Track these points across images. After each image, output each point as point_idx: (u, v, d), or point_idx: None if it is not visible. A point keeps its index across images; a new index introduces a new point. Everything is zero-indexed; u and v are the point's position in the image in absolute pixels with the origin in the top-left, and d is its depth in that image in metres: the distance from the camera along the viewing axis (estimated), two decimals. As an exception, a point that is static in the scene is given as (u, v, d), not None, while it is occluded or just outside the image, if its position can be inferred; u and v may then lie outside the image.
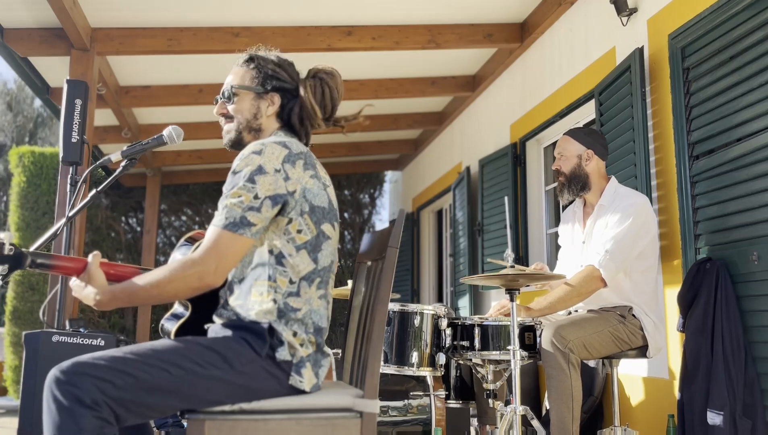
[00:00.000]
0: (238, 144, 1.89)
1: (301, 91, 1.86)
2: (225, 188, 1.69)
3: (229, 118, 1.89)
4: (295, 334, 1.68)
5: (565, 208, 3.32)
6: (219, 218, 1.65)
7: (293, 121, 1.88)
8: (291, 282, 1.70)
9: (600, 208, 2.97)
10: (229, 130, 1.89)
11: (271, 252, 1.70)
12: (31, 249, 1.89)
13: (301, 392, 1.69)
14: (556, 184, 3.15)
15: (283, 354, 1.66)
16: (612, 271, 2.78)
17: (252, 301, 1.69)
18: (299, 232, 1.70)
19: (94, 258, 1.65)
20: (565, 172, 3.06)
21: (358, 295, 2.00)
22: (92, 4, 4.33)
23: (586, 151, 3.03)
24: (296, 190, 1.70)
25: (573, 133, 3.10)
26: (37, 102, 17.59)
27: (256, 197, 1.64)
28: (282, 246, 1.70)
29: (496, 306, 3.02)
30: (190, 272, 1.60)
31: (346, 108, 1.96)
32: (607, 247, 2.79)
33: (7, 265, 1.55)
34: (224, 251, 1.62)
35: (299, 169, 1.72)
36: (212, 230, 1.65)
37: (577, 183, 3.03)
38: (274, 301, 1.68)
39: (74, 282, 1.65)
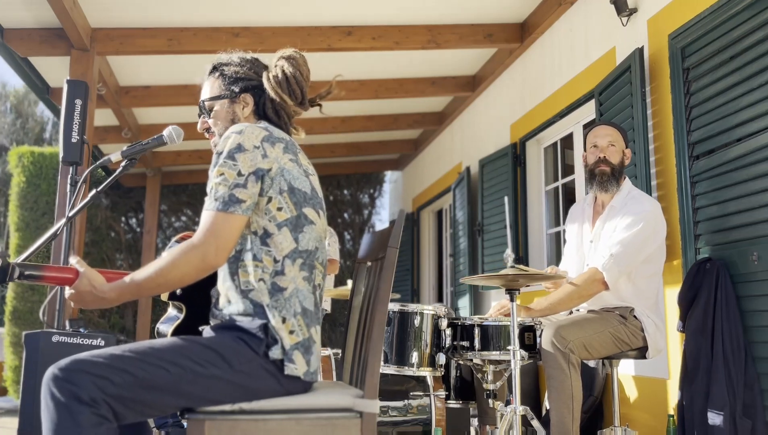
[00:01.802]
0: None
1: (265, 85, 1.87)
2: (210, 171, 1.72)
3: (211, 131, 1.94)
4: (284, 320, 1.68)
5: (569, 207, 3.30)
6: (209, 202, 1.68)
7: (269, 115, 1.90)
8: (275, 261, 1.71)
9: (611, 210, 2.95)
10: (215, 142, 1.93)
11: (255, 233, 1.72)
12: (30, 251, 1.89)
13: (297, 382, 1.69)
14: (592, 170, 2.97)
15: (276, 353, 1.66)
16: (615, 275, 2.77)
17: (242, 282, 1.70)
18: (279, 209, 1.72)
19: (80, 263, 1.64)
20: (613, 163, 2.95)
21: (358, 295, 2.00)
22: (92, 4, 4.33)
23: (626, 150, 3.02)
24: (272, 169, 1.72)
25: (620, 129, 3.04)
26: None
27: (239, 174, 1.67)
28: (265, 225, 1.71)
29: (496, 306, 3.01)
30: (192, 255, 1.61)
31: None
32: (613, 251, 2.78)
33: None
34: (220, 232, 1.64)
35: (278, 150, 1.74)
36: (205, 214, 1.67)
37: (617, 177, 2.96)
38: (263, 280, 1.69)
39: (75, 291, 1.62)
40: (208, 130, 1.95)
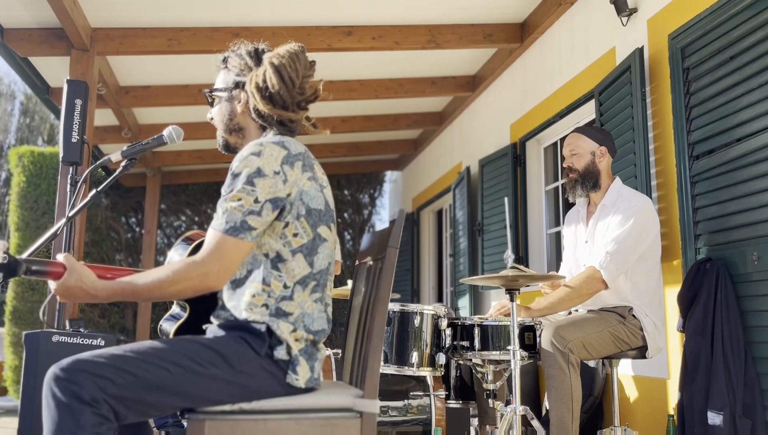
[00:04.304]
0: (226, 147, 1.90)
1: (246, 87, 1.78)
2: (224, 190, 1.68)
3: (214, 123, 1.92)
4: (294, 330, 1.68)
5: (569, 208, 3.32)
6: (219, 222, 1.63)
7: (253, 117, 1.81)
8: (285, 286, 1.68)
9: (602, 208, 2.97)
10: (217, 135, 1.91)
11: (266, 255, 1.69)
12: (31, 250, 1.89)
13: (298, 389, 1.69)
14: (565, 181, 3.11)
15: (281, 353, 1.65)
16: (613, 273, 2.78)
17: (244, 302, 1.68)
18: (295, 235, 1.69)
19: (67, 257, 1.61)
20: (578, 168, 3.02)
21: (358, 295, 2.00)
22: (92, 4, 4.33)
23: (599, 148, 3.03)
24: (292, 193, 1.68)
25: (585, 131, 3.08)
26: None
27: (256, 201, 1.63)
28: (279, 249, 1.68)
29: (497, 306, 3.01)
30: (194, 275, 1.59)
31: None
32: (609, 249, 2.78)
33: (1, 273, 1.53)
34: (226, 256, 1.61)
35: (297, 171, 1.70)
36: (213, 234, 1.63)
37: (589, 180, 3.01)
38: (266, 305, 1.67)
39: (62, 285, 1.60)
40: (213, 120, 1.92)
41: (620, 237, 2.79)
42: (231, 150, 1.89)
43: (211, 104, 1.91)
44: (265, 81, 1.75)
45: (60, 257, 1.62)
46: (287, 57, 1.77)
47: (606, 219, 2.91)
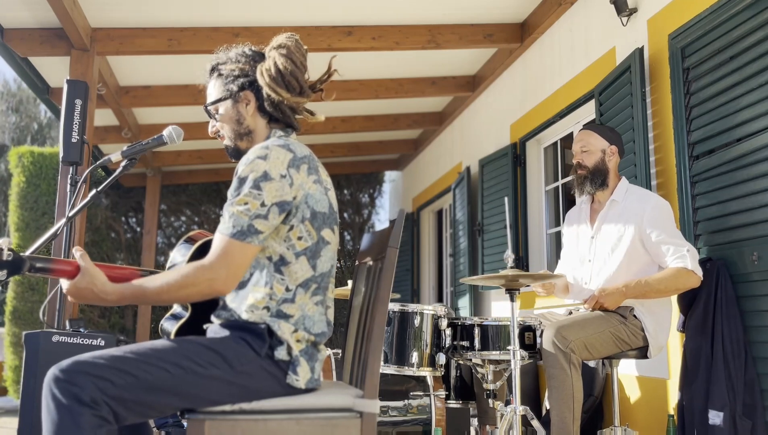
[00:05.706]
0: (237, 154, 1.88)
1: (259, 81, 1.79)
2: (230, 194, 1.68)
3: (221, 134, 1.89)
4: (295, 330, 1.68)
5: (569, 207, 3.31)
6: (226, 226, 1.63)
7: (269, 111, 1.82)
8: (287, 289, 1.68)
9: (612, 204, 2.97)
10: (226, 145, 1.90)
11: (269, 259, 1.69)
12: (31, 250, 1.89)
13: (298, 390, 1.69)
14: (573, 177, 3.10)
15: (281, 354, 1.65)
16: (698, 265, 2.74)
17: (246, 305, 1.69)
18: (300, 238, 1.69)
19: (83, 258, 1.61)
20: (588, 165, 3.02)
21: (358, 295, 2.00)
22: (92, 4, 4.33)
23: (610, 147, 3.03)
24: (297, 196, 1.68)
25: (596, 128, 3.09)
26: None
27: (263, 205, 1.63)
28: (282, 252, 1.69)
29: (592, 295, 2.86)
30: (202, 280, 1.59)
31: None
32: (687, 247, 2.74)
33: (5, 270, 1.54)
34: (233, 260, 1.61)
35: (303, 174, 1.70)
36: (220, 238, 1.63)
37: (598, 177, 3.01)
38: (267, 308, 1.67)
39: (74, 286, 1.60)
40: (217, 133, 1.90)
41: (676, 232, 2.79)
42: (241, 156, 1.86)
43: (213, 117, 1.89)
44: (278, 68, 1.76)
45: (77, 256, 1.62)
46: (291, 42, 1.79)
47: (617, 223, 2.89)
